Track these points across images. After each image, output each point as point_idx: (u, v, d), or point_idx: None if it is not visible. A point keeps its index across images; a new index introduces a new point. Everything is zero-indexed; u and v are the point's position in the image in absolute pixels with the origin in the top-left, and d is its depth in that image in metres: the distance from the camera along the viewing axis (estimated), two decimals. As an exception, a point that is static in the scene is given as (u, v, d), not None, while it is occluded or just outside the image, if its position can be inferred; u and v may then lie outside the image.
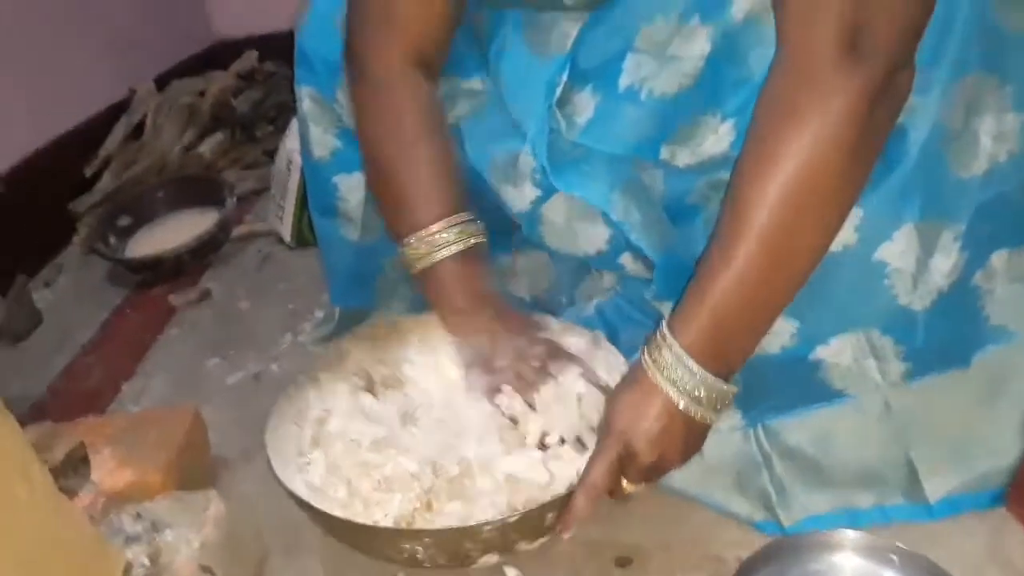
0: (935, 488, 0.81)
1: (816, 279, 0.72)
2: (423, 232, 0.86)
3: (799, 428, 0.83)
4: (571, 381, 0.85)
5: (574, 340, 0.93)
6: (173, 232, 1.58)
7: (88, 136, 1.79)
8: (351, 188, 1.06)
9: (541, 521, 0.76)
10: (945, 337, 0.78)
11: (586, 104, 0.84)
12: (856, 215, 0.74)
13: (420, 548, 0.76)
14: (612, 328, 0.98)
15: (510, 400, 0.85)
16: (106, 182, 1.75)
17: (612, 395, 0.77)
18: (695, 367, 0.71)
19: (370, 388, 0.94)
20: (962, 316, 0.79)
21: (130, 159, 1.79)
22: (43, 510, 0.64)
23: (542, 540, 0.80)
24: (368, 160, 0.93)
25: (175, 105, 1.88)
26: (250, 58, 2.07)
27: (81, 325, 1.43)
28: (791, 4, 0.67)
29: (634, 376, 0.75)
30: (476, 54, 0.94)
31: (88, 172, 1.77)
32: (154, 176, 1.77)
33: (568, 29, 0.85)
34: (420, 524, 0.79)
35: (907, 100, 0.69)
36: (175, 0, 2.14)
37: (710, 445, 0.85)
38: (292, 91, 1.07)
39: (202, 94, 1.94)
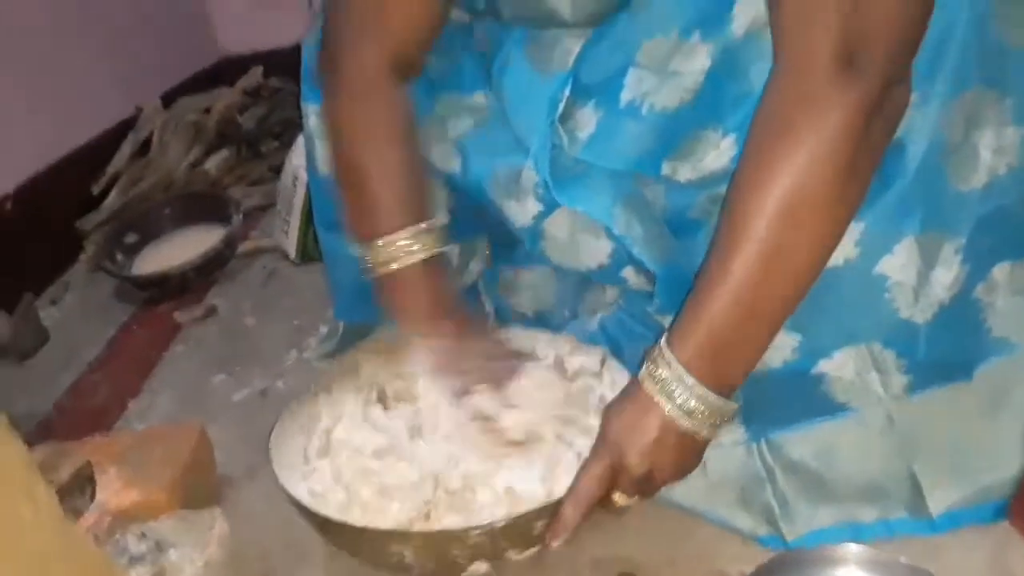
0: (938, 502, 0.80)
1: (817, 293, 0.72)
2: (391, 237, 0.86)
3: (802, 442, 0.83)
4: (541, 376, 0.86)
5: (582, 358, 0.93)
6: (179, 249, 1.59)
7: (95, 154, 1.80)
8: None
9: (530, 529, 0.76)
10: (947, 350, 0.78)
11: (588, 119, 0.84)
12: (856, 229, 0.74)
13: (408, 552, 0.76)
14: (615, 342, 0.98)
15: (483, 399, 0.85)
16: (113, 200, 1.76)
17: (608, 406, 0.77)
18: (693, 383, 0.70)
19: (382, 400, 0.95)
20: (964, 329, 0.79)
21: (137, 176, 1.80)
22: (48, 531, 0.64)
23: (533, 550, 0.79)
24: (339, 159, 0.93)
25: (181, 122, 1.90)
26: (255, 74, 2.08)
27: (87, 342, 1.44)
28: (786, 19, 0.67)
29: (632, 389, 0.75)
30: (479, 70, 0.95)
31: (95, 190, 1.78)
32: (160, 193, 1.78)
33: (570, 46, 0.86)
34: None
35: (904, 115, 0.69)
36: (180, 17, 2.16)
37: (713, 460, 0.85)
38: (298, 107, 1.08)
39: (208, 111, 1.96)
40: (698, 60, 0.77)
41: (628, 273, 0.92)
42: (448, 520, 0.79)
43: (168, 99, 1.97)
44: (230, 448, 1.09)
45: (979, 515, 0.81)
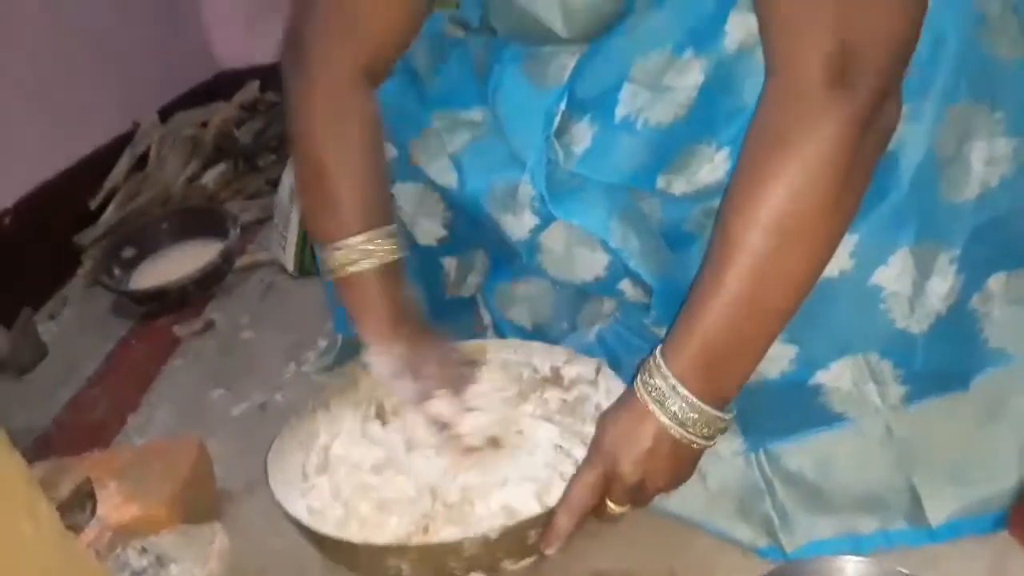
0: (937, 512, 0.81)
1: (814, 304, 0.72)
2: (355, 239, 0.87)
3: (800, 453, 0.83)
4: (493, 378, 0.89)
5: (578, 368, 0.94)
6: (177, 263, 1.59)
7: (93, 169, 1.80)
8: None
9: (525, 539, 0.76)
10: (944, 360, 0.79)
11: (583, 134, 0.85)
12: (851, 240, 0.74)
13: (405, 566, 0.76)
14: (613, 354, 0.99)
15: (442, 404, 0.86)
16: (111, 214, 1.76)
17: (603, 415, 0.78)
18: (686, 394, 0.71)
19: (380, 415, 0.95)
20: (960, 339, 0.79)
21: (134, 191, 1.81)
22: (49, 547, 0.64)
23: (529, 560, 0.79)
24: (305, 158, 0.92)
25: (178, 137, 1.90)
26: (252, 89, 2.08)
27: (86, 357, 1.44)
28: (778, 35, 0.68)
29: (626, 399, 0.76)
30: (476, 86, 0.95)
31: (93, 205, 1.78)
32: (158, 208, 1.78)
33: (565, 61, 0.87)
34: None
35: (895, 129, 0.70)
36: (177, 33, 2.17)
37: (713, 471, 0.85)
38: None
39: (205, 125, 1.96)
40: (692, 75, 0.78)
41: (625, 285, 0.92)
42: (447, 532, 0.80)
43: (165, 114, 1.98)
44: (229, 462, 1.09)
45: (978, 525, 0.81)
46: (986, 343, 0.80)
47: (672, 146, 0.80)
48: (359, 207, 0.88)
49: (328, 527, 0.80)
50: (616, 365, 0.94)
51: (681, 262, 0.84)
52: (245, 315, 1.49)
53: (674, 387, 0.71)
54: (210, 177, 1.87)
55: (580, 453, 0.86)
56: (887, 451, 0.81)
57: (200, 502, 0.98)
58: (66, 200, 1.72)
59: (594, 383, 0.92)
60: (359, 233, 0.87)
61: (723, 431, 0.74)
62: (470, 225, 1.01)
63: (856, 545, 0.82)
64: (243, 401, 1.25)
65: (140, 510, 0.90)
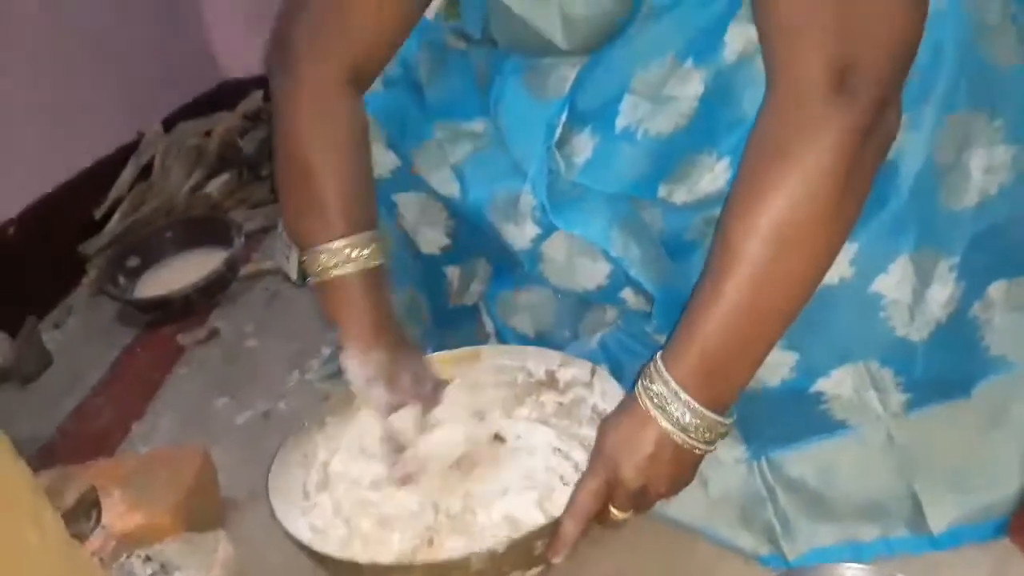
0: (938, 519, 0.81)
1: (814, 312, 0.73)
2: (339, 242, 0.86)
3: (802, 460, 0.83)
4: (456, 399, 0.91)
5: (573, 370, 0.94)
6: (181, 272, 1.59)
7: (97, 179, 1.81)
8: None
9: (531, 549, 0.76)
10: (945, 368, 0.79)
11: (584, 145, 0.86)
12: (851, 248, 0.75)
13: None
14: (616, 361, 0.99)
15: (403, 424, 0.87)
16: (115, 224, 1.77)
17: (605, 420, 0.78)
18: (688, 399, 0.71)
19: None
20: (961, 347, 0.79)
21: (139, 201, 1.81)
22: (54, 556, 0.64)
23: (536, 570, 0.79)
24: (288, 159, 0.91)
25: (182, 146, 1.91)
26: (255, 98, 2.09)
27: (91, 366, 1.44)
28: (777, 45, 0.69)
29: (628, 404, 0.76)
30: (477, 97, 0.96)
31: (98, 214, 1.79)
32: (162, 217, 1.79)
33: (566, 73, 0.87)
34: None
35: (895, 137, 0.70)
36: (181, 43, 2.17)
37: (714, 478, 0.86)
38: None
39: (209, 135, 1.97)
40: (692, 86, 0.78)
41: (627, 294, 0.93)
42: (452, 543, 0.80)
43: (169, 124, 1.98)
44: (233, 471, 1.09)
45: (980, 532, 0.81)
46: (987, 351, 0.80)
47: (673, 156, 0.81)
48: (344, 209, 0.88)
49: (332, 547, 0.79)
50: (619, 372, 0.94)
51: (682, 271, 0.84)
52: (249, 323, 1.50)
53: (675, 393, 0.71)
54: (214, 186, 1.88)
55: (578, 455, 0.87)
56: (888, 458, 0.81)
57: (204, 510, 0.98)
58: (71, 210, 1.73)
59: (589, 385, 0.92)
60: (344, 236, 0.87)
61: (723, 436, 0.74)
62: (472, 234, 1.02)
63: (858, 552, 0.82)
64: (247, 409, 1.25)
65: (144, 518, 0.90)
